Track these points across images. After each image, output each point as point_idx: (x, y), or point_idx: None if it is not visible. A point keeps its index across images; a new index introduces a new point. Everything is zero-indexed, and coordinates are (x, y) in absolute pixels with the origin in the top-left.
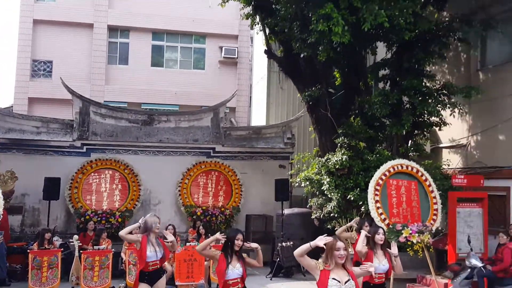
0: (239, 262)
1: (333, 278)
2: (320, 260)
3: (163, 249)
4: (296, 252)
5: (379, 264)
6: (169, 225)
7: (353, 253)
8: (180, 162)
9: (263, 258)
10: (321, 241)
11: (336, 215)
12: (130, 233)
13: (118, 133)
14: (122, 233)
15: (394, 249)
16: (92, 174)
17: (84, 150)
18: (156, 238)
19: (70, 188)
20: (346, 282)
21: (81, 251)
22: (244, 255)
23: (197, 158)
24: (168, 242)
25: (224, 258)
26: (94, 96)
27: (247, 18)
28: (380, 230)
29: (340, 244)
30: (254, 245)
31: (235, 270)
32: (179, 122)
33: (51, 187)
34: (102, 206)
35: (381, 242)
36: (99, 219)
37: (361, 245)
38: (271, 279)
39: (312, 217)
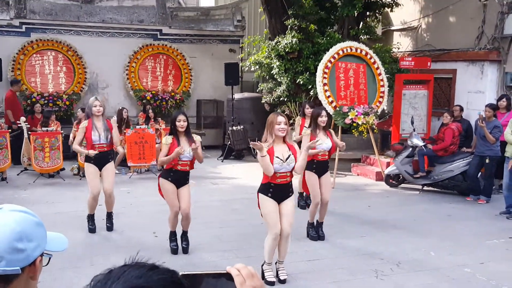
0: (188, 144)
1: (276, 157)
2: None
3: (109, 133)
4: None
5: (321, 144)
6: (123, 108)
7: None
8: (126, 45)
9: (214, 141)
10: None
11: (285, 99)
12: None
13: (57, 11)
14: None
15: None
16: (34, 55)
17: (24, 29)
18: (104, 121)
19: (12, 70)
20: (287, 159)
21: (29, 133)
22: (197, 138)
23: (143, 40)
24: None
25: (176, 141)
26: None
27: None
28: (323, 113)
29: (281, 118)
30: (194, 146)
31: (185, 153)
32: (122, 1)
33: None
34: (48, 89)
35: (323, 124)
36: (46, 101)
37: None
38: (222, 161)
39: (262, 101)
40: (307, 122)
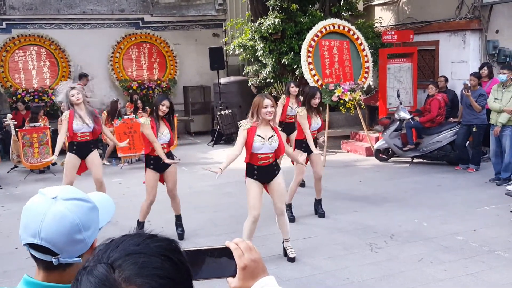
0: (167, 128)
1: (258, 135)
2: (243, 121)
3: (93, 122)
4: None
5: (313, 123)
6: (117, 99)
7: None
8: (108, 35)
9: (203, 127)
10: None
11: (272, 81)
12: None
13: (37, 5)
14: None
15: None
16: (17, 51)
17: (4, 26)
18: (88, 108)
19: None
20: (270, 138)
21: (17, 129)
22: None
23: (125, 30)
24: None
25: (154, 123)
26: None
27: None
28: (318, 95)
29: (267, 101)
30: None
31: (162, 136)
32: None
33: None
34: (33, 84)
35: (315, 106)
36: (31, 97)
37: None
38: (212, 147)
39: (248, 84)
40: (291, 101)
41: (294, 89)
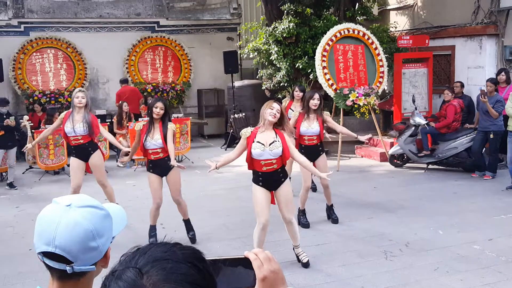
0: (160, 133)
1: (257, 141)
2: (244, 129)
3: (88, 125)
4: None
5: (307, 128)
6: (123, 102)
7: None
8: (125, 38)
9: (216, 130)
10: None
11: (285, 84)
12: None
13: (55, 9)
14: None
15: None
16: (34, 54)
17: (22, 29)
18: (86, 114)
19: (13, 70)
20: (271, 144)
21: (33, 131)
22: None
23: (141, 33)
24: None
25: (146, 129)
26: None
27: None
28: (316, 96)
29: (275, 105)
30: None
31: (152, 142)
32: None
33: None
34: (49, 87)
35: (314, 108)
36: (47, 99)
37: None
38: (225, 150)
39: (262, 88)
40: (294, 104)
41: (297, 94)
